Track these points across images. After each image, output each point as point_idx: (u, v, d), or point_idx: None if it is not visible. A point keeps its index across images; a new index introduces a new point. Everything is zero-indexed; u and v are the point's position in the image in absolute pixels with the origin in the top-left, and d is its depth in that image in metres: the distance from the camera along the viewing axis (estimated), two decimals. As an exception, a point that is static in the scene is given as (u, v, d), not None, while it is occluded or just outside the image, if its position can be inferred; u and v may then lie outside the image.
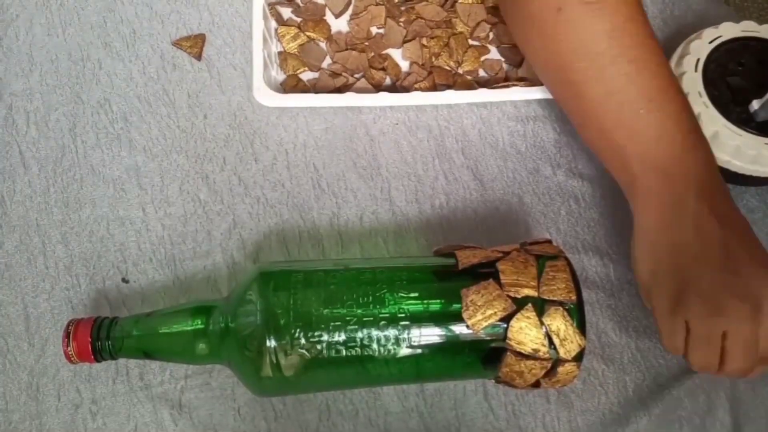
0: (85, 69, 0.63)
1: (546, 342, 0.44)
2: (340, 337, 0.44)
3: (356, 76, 0.63)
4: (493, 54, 0.64)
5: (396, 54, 0.64)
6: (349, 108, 0.62)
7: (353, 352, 0.44)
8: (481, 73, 0.63)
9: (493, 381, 0.49)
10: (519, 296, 0.44)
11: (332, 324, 0.44)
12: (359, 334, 0.44)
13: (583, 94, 0.48)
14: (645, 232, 0.47)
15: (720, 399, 0.52)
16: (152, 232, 0.57)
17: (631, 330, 0.54)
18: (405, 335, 0.44)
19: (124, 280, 0.56)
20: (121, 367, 0.53)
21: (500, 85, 0.61)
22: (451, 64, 0.63)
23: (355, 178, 0.59)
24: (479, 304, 0.44)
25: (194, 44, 0.64)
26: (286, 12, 0.65)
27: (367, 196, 0.59)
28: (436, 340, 0.45)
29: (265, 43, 0.60)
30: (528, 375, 0.45)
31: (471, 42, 0.64)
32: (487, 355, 0.45)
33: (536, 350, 0.44)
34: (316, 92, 0.62)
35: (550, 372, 0.45)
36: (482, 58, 0.63)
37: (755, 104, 0.55)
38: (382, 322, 0.44)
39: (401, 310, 0.44)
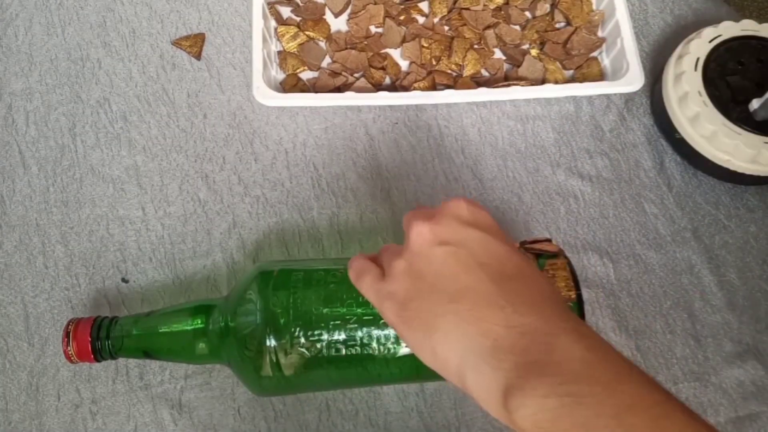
0: (84, 68, 0.63)
1: (546, 341, 0.44)
2: (340, 336, 0.44)
3: (356, 75, 0.63)
4: (494, 53, 0.64)
5: (395, 53, 0.64)
6: (348, 107, 0.62)
7: (353, 351, 0.44)
8: (482, 72, 0.63)
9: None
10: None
11: (332, 323, 0.44)
12: (359, 333, 0.44)
13: None
14: None
15: (719, 399, 0.52)
16: (152, 231, 0.57)
17: (631, 330, 0.54)
18: (405, 335, 0.44)
19: (124, 280, 0.56)
20: (121, 367, 0.53)
21: (500, 84, 0.61)
22: (453, 67, 0.62)
23: (355, 177, 0.59)
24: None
25: (194, 44, 0.64)
26: (286, 11, 0.65)
27: (366, 196, 0.59)
28: (436, 339, 0.45)
29: (264, 42, 0.60)
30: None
31: (476, 46, 0.64)
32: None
33: (536, 349, 0.44)
34: (316, 91, 0.62)
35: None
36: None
37: (755, 103, 0.55)
38: (382, 321, 0.44)
39: (401, 310, 0.44)
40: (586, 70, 0.63)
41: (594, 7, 0.65)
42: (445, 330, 0.33)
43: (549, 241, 0.49)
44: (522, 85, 0.60)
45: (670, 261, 0.56)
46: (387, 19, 0.64)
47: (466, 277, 0.34)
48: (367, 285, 0.37)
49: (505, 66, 0.63)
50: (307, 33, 0.64)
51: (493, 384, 0.31)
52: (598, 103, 0.62)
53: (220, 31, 0.65)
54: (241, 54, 0.64)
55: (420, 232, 0.35)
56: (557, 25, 0.65)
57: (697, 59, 0.57)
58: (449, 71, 0.63)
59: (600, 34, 0.64)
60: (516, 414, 0.30)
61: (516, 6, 0.65)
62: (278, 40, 0.64)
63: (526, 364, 0.31)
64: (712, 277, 0.56)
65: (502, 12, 0.65)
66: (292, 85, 0.62)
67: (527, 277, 0.34)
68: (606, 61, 0.63)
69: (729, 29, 0.58)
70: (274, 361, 0.44)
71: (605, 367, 0.31)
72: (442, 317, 0.33)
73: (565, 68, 0.63)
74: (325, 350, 0.44)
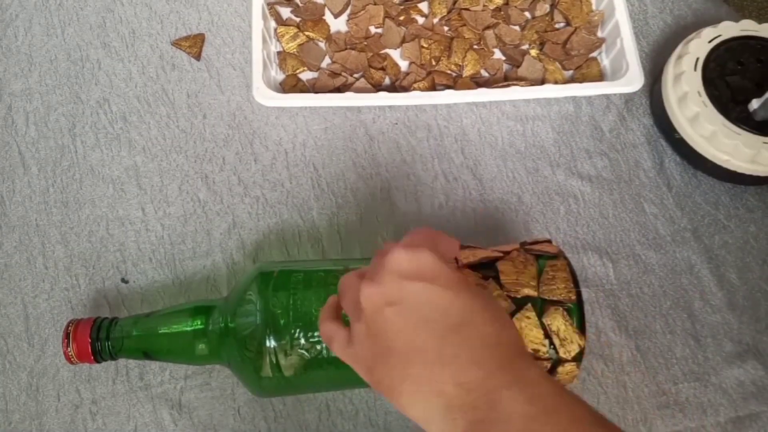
0: (84, 69, 0.63)
1: (546, 342, 0.44)
2: (340, 337, 0.44)
3: (355, 75, 0.63)
4: (494, 54, 0.64)
5: (395, 54, 0.64)
6: (348, 108, 0.62)
7: (353, 352, 0.44)
8: (481, 72, 0.63)
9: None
10: (519, 296, 0.44)
11: (332, 324, 0.44)
12: (359, 334, 0.44)
13: None
14: None
15: (719, 399, 0.52)
16: (152, 232, 0.57)
17: (630, 330, 0.54)
18: (405, 335, 0.44)
19: (124, 280, 0.56)
20: (121, 367, 0.53)
21: (500, 84, 0.61)
22: (453, 68, 0.62)
23: (355, 177, 0.59)
24: (479, 303, 0.44)
25: (193, 44, 0.64)
26: (286, 12, 0.65)
27: (366, 196, 0.59)
28: (435, 339, 0.45)
29: (264, 42, 0.60)
30: (528, 375, 0.45)
31: (475, 47, 0.64)
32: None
33: (536, 350, 0.44)
34: (316, 92, 0.62)
35: (550, 372, 0.45)
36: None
37: (754, 103, 0.55)
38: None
39: (401, 310, 0.44)
40: (586, 71, 0.63)
41: (594, 7, 0.65)
42: (406, 394, 0.34)
43: (549, 242, 0.49)
44: (522, 86, 0.60)
45: (669, 261, 0.56)
46: (387, 20, 0.64)
47: (414, 336, 0.35)
48: (337, 349, 0.39)
49: (505, 66, 0.63)
50: (306, 33, 0.64)
51: None
52: (598, 104, 0.62)
53: (219, 32, 0.65)
54: (241, 54, 0.64)
55: (368, 296, 0.36)
56: (557, 26, 0.65)
57: (697, 59, 0.57)
58: (449, 71, 0.63)
59: (600, 34, 0.64)
60: None
61: (515, 6, 0.65)
62: (278, 40, 0.64)
63: (476, 422, 0.32)
64: (712, 277, 0.56)
65: (502, 12, 0.65)
66: (291, 85, 0.62)
67: (470, 324, 0.35)
68: (606, 62, 0.63)
69: (728, 29, 0.58)
70: (274, 362, 0.44)
71: (546, 420, 0.32)
72: (401, 383, 0.35)
73: (564, 68, 0.63)
74: (325, 351, 0.44)
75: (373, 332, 0.36)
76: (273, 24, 0.64)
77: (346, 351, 0.38)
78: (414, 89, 0.61)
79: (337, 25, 0.65)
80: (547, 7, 0.65)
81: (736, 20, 0.58)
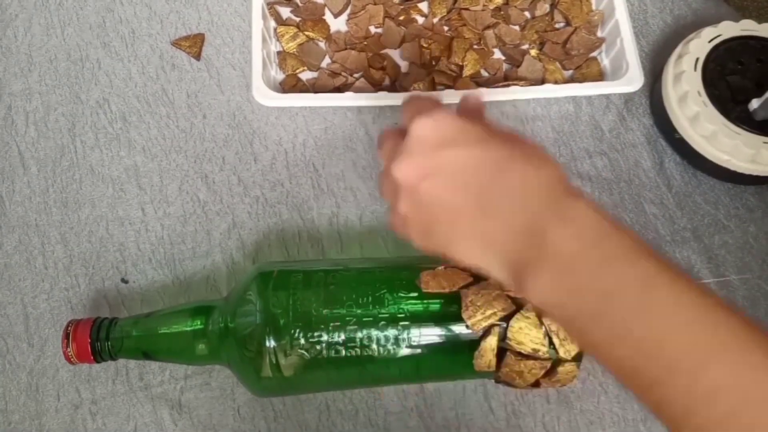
0: (84, 69, 0.63)
1: (546, 342, 0.44)
2: (340, 337, 0.44)
3: (355, 75, 0.63)
4: (494, 53, 0.64)
5: (395, 54, 0.64)
6: (348, 107, 0.62)
7: (353, 353, 0.44)
8: (481, 72, 0.63)
9: (493, 381, 0.49)
10: (519, 296, 0.44)
11: (332, 324, 0.44)
12: (359, 335, 0.44)
13: None
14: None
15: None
16: (151, 232, 0.57)
17: (630, 329, 0.54)
18: (405, 335, 0.44)
19: (124, 281, 0.56)
20: (120, 367, 0.53)
21: (500, 84, 0.61)
22: (452, 68, 0.62)
23: (355, 177, 0.59)
24: (479, 304, 0.44)
25: (193, 44, 0.64)
26: (285, 11, 0.65)
27: (366, 196, 0.59)
28: (435, 340, 0.45)
29: (264, 42, 0.60)
30: (528, 375, 0.45)
31: (475, 47, 0.64)
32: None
33: (536, 350, 0.44)
34: (316, 92, 0.62)
35: (550, 372, 0.45)
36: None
37: (754, 103, 0.55)
38: (382, 323, 0.44)
39: (401, 310, 0.44)
40: (586, 70, 0.63)
41: (593, 7, 0.65)
42: (460, 251, 0.37)
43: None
44: (521, 86, 0.60)
45: (669, 261, 0.56)
46: (386, 20, 0.64)
47: (454, 201, 0.36)
48: (397, 230, 0.40)
49: (505, 66, 0.63)
50: (306, 33, 0.64)
51: (508, 281, 0.36)
52: (598, 103, 0.62)
53: (219, 32, 0.65)
54: (241, 54, 0.64)
55: (402, 174, 0.37)
56: (557, 25, 0.65)
57: (697, 59, 0.57)
58: (449, 71, 0.62)
59: (599, 34, 0.64)
60: (530, 298, 0.35)
61: (515, 6, 0.64)
62: (278, 40, 0.64)
63: (526, 264, 0.34)
64: (711, 277, 0.56)
65: (502, 12, 0.65)
66: (291, 85, 0.62)
67: (504, 173, 0.35)
68: (605, 61, 0.63)
69: (728, 29, 0.58)
70: (274, 362, 0.44)
71: (590, 254, 0.33)
72: (451, 244, 0.37)
73: (564, 68, 0.63)
74: (324, 351, 0.44)
75: (415, 208, 0.37)
76: (273, 24, 0.64)
77: (402, 232, 0.39)
78: (414, 89, 0.61)
79: (337, 24, 0.65)
80: (547, 7, 0.65)
81: (736, 20, 0.58)
